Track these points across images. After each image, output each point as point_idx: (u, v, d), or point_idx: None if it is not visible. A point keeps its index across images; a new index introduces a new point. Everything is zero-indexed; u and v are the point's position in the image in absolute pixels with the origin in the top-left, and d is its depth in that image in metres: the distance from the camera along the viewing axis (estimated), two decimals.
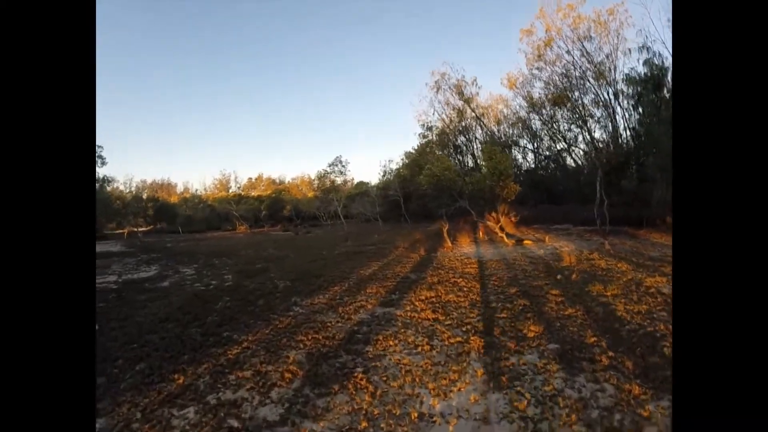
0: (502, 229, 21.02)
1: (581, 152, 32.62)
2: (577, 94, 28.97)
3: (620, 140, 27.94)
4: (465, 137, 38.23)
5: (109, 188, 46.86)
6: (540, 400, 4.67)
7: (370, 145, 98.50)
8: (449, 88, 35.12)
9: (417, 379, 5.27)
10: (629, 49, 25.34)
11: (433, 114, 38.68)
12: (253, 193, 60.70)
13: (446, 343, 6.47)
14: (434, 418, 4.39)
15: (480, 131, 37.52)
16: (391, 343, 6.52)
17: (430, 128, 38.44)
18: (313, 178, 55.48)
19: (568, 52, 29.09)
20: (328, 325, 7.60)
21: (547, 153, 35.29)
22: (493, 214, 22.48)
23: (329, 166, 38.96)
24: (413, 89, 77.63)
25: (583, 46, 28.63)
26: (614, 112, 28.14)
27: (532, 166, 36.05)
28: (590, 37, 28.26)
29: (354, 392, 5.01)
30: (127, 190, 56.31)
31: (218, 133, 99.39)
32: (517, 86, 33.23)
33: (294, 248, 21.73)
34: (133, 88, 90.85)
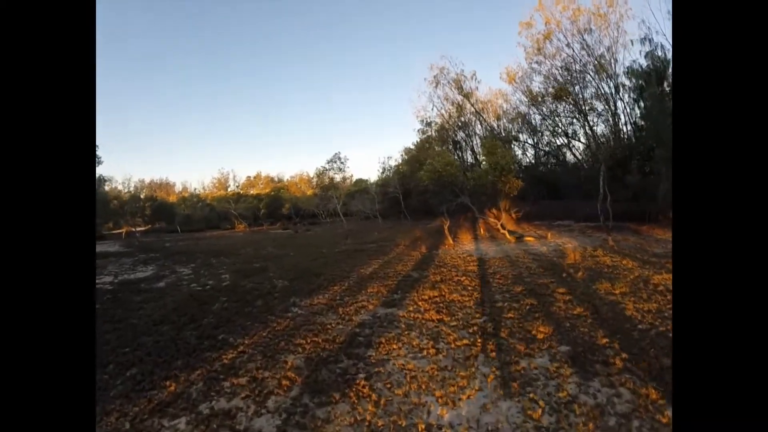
0: (503, 225, 20.73)
1: (582, 147, 32.37)
2: (577, 88, 28.69)
3: (622, 134, 27.65)
4: (464, 133, 37.93)
5: (107, 188, 46.58)
6: (555, 408, 4.39)
7: (368, 142, 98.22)
8: (448, 82, 34.80)
9: (423, 386, 4.97)
10: (632, 41, 24.94)
11: (432, 109, 38.42)
12: (251, 192, 60.41)
13: (452, 346, 6.17)
14: (443, 430, 4.10)
15: (479, 126, 37.24)
16: (394, 346, 6.22)
17: (429, 124, 38.17)
18: (312, 175, 55.21)
19: (568, 45, 28.76)
20: (328, 327, 7.29)
21: (547, 148, 34.99)
22: (494, 210, 22.20)
23: (328, 163, 38.62)
24: (412, 85, 77.46)
25: (584, 39, 28.29)
26: (615, 105, 27.85)
27: (532, 161, 35.73)
28: (590, 29, 27.93)
29: (356, 401, 4.71)
30: (126, 190, 56.03)
31: (217, 132, 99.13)
32: (517, 81, 32.92)
33: (293, 246, 21.42)
34: (132, 87, 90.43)
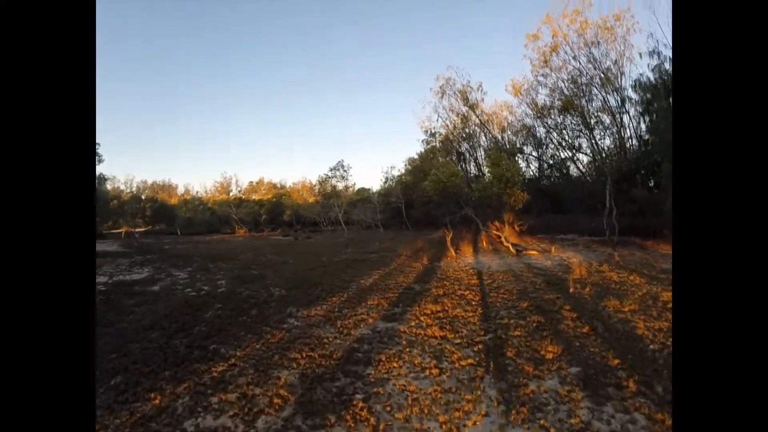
0: (506, 239, 20.40)
1: (586, 160, 32.12)
2: (583, 101, 28.50)
3: (628, 148, 27.39)
4: (468, 144, 37.72)
5: (109, 187, 46.46)
6: None
7: (372, 151, 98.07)
8: (454, 93, 34.60)
9: (425, 410, 4.61)
10: (640, 54, 24.78)
11: (437, 120, 38.21)
12: (253, 197, 60.23)
13: (457, 365, 5.81)
14: None
15: (484, 138, 37.04)
16: (394, 364, 5.85)
17: (433, 134, 37.93)
18: (314, 183, 55.05)
19: (574, 57, 28.66)
20: (324, 341, 6.92)
21: (551, 161, 34.74)
22: (496, 223, 21.88)
23: (331, 170, 38.46)
24: (417, 95, 77.45)
25: (590, 52, 28.21)
26: (622, 119, 27.64)
27: (536, 174, 35.48)
28: (597, 42, 27.85)
29: (353, 425, 4.34)
30: (128, 190, 56.01)
31: (220, 137, 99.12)
32: (522, 93, 32.79)
33: (293, 254, 21.08)
34: (136, 90, 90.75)
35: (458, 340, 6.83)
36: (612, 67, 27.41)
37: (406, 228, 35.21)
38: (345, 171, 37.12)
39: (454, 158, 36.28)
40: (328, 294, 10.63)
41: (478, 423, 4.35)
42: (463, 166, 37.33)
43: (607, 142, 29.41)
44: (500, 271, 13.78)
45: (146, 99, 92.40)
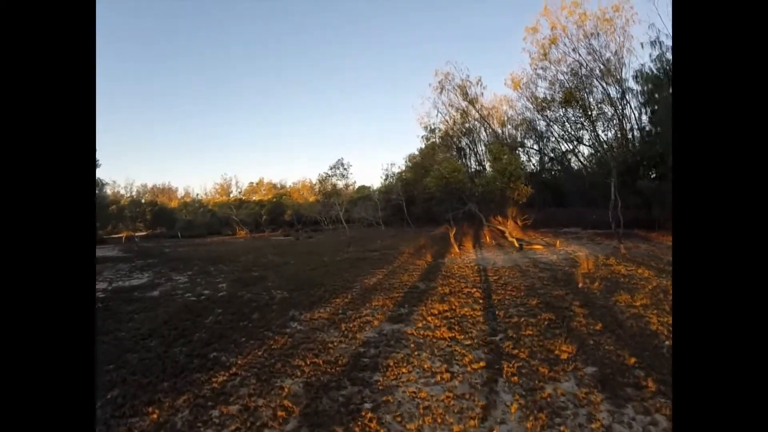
0: (511, 234, 20.15)
1: (588, 153, 31.84)
2: (584, 93, 28.19)
3: (630, 139, 27.09)
4: (468, 139, 37.41)
5: (109, 191, 46.28)
6: None
7: (371, 149, 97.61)
8: (453, 88, 34.30)
9: (438, 419, 4.34)
10: (642, 44, 24.46)
11: (437, 116, 37.85)
12: (254, 198, 59.99)
13: (468, 369, 5.54)
14: None
15: (484, 133, 36.74)
16: (403, 370, 5.58)
17: (432, 130, 37.59)
18: (314, 182, 54.72)
19: (574, 49, 28.36)
20: (329, 345, 6.64)
21: (552, 155, 34.43)
22: (499, 218, 21.62)
23: (331, 168, 38.02)
24: (416, 91, 76.91)
25: (590, 44, 27.90)
26: (623, 110, 27.32)
27: (537, 167, 35.16)
28: (597, 34, 27.54)
29: None
30: (128, 194, 55.88)
31: (220, 138, 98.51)
32: (521, 87, 32.50)
33: (294, 254, 20.82)
34: (134, 92, 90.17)
35: (468, 342, 6.56)
36: (612, 58, 27.14)
37: (407, 225, 34.96)
38: (345, 169, 36.62)
39: (454, 154, 35.99)
40: (331, 295, 10.36)
41: None
42: (464, 161, 37.05)
43: (609, 134, 29.10)
44: (506, 267, 13.52)
45: (145, 100, 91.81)
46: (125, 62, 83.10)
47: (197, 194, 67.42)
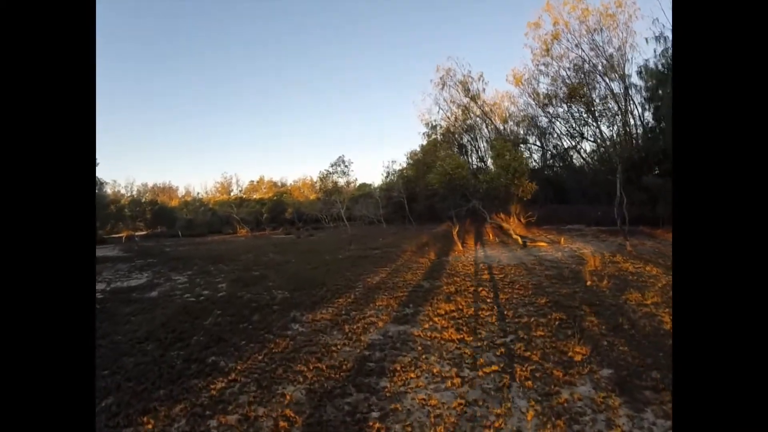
0: (514, 231, 19.88)
1: (591, 149, 31.54)
2: (586, 89, 27.86)
3: (635, 135, 26.80)
4: (470, 136, 37.08)
5: (110, 191, 46.06)
6: None
7: (372, 146, 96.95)
8: (455, 84, 33.92)
9: (451, 429, 4.07)
10: (646, 39, 24.09)
11: (438, 112, 37.40)
12: (254, 196, 59.65)
13: (480, 373, 5.27)
14: None
15: (486, 129, 36.37)
16: (412, 375, 5.30)
17: (434, 127, 37.22)
18: (315, 180, 54.49)
19: (577, 45, 28.02)
20: (333, 349, 6.35)
21: (554, 151, 34.11)
22: (501, 215, 21.35)
23: (332, 166, 37.81)
24: (417, 88, 76.40)
25: (593, 39, 27.56)
26: (627, 106, 27.00)
27: (539, 164, 34.81)
28: (600, 29, 27.21)
29: None
30: (128, 194, 55.71)
31: (220, 136, 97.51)
32: (523, 83, 32.17)
33: (295, 253, 20.56)
34: (134, 92, 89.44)
35: (478, 343, 6.29)
36: (615, 54, 26.81)
37: (408, 222, 34.71)
38: (346, 166, 36.47)
39: (455, 150, 35.65)
40: (333, 295, 10.08)
41: None
42: (465, 158, 36.73)
43: (613, 130, 28.79)
44: (511, 265, 13.26)
45: (146, 100, 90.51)
46: (125, 62, 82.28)
47: (198, 193, 67.08)
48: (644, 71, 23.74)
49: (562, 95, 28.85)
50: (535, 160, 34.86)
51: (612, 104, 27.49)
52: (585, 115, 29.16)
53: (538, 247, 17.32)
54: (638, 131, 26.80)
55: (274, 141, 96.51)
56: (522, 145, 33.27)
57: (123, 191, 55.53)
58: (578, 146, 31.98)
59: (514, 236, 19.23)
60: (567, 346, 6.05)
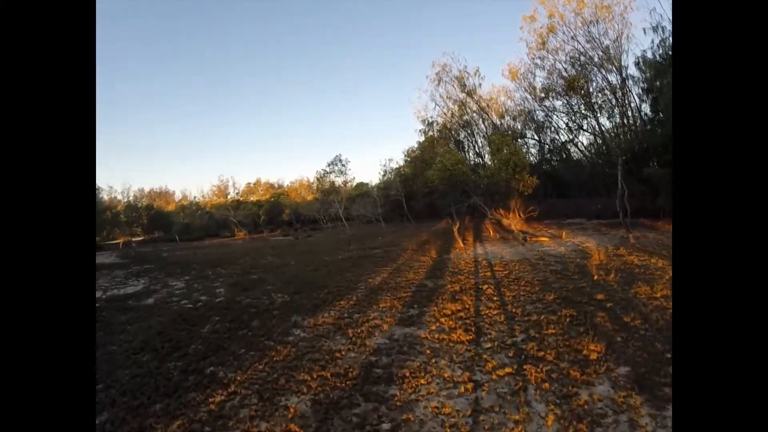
0: (515, 226, 19.66)
1: (588, 142, 31.39)
2: (583, 81, 27.67)
3: (633, 126, 26.63)
4: (467, 132, 36.82)
5: (106, 197, 45.70)
6: None
7: (369, 148, 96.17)
8: (450, 80, 33.67)
9: None
10: (644, 30, 23.89)
11: (434, 108, 37.14)
12: (251, 198, 59.33)
13: (493, 376, 5.00)
14: None
15: (483, 125, 36.14)
16: (422, 381, 5.02)
17: (430, 124, 36.95)
18: (312, 180, 54.18)
19: (573, 37, 27.85)
20: (337, 355, 6.05)
21: (551, 145, 33.94)
22: (501, 210, 21.12)
23: (329, 165, 37.46)
24: (413, 84, 76.00)
25: (589, 31, 27.39)
26: (625, 98, 26.82)
27: (536, 159, 34.60)
28: (595, 21, 27.04)
29: None
30: (125, 199, 55.40)
31: (216, 139, 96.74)
32: (519, 77, 31.98)
33: (294, 254, 20.26)
34: (129, 94, 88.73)
35: (488, 344, 6.03)
36: (611, 45, 26.63)
37: (407, 221, 34.46)
38: (343, 165, 36.12)
39: (452, 146, 35.40)
40: (334, 297, 9.79)
41: None
42: (463, 154, 36.48)
43: (612, 122, 28.62)
44: (515, 261, 13.01)
45: (141, 102, 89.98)
46: (122, 63, 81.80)
47: (195, 197, 66.76)
48: (642, 62, 23.50)
49: (559, 88, 28.70)
50: (532, 155, 34.71)
51: (608, 96, 27.33)
52: (583, 108, 29.01)
53: (540, 242, 17.11)
54: (636, 123, 26.63)
55: (271, 142, 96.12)
56: (520, 140, 33.10)
57: (119, 197, 55.30)
58: (575, 139, 31.83)
59: (516, 232, 19.00)
60: (581, 343, 5.81)
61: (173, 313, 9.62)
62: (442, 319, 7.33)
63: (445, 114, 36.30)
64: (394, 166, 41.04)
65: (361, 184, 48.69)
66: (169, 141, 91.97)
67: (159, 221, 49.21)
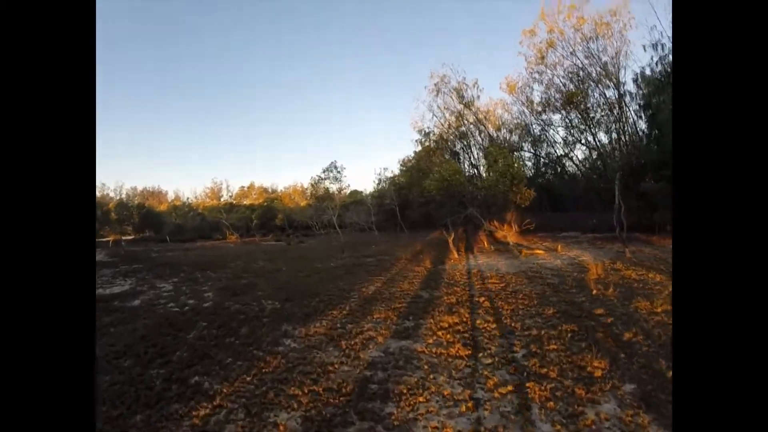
0: (510, 239, 19.52)
1: (582, 157, 31.53)
2: (581, 97, 27.84)
3: (628, 142, 26.77)
4: (463, 143, 36.82)
5: (98, 194, 45.02)
6: None
7: (363, 153, 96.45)
8: (449, 91, 33.66)
9: None
10: (644, 47, 24.12)
11: (432, 119, 37.11)
12: (244, 202, 58.84)
13: (495, 394, 4.75)
14: None
15: (479, 137, 36.17)
16: (420, 399, 4.74)
17: (427, 134, 36.90)
18: (305, 186, 53.86)
19: (572, 53, 28.05)
20: (329, 368, 5.75)
21: (546, 159, 34.02)
22: (496, 222, 20.98)
23: (324, 172, 37.17)
24: (410, 95, 76.22)
25: (588, 47, 27.60)
26: (623, 114, 26.98)
27: (532, 172, 34.65)
28: (594, 38, 27.27)
29: None
30: (117, 197, 54.80)
31: (211, 142, 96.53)
32: (517, 90, 32.10)
33: (286, 260, 19.92)
34: (125, 95, 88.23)
35: (488, 360, 5.78)
36: (609, 62, 26.85)
37: (401, 230, 34.23)
38: (339, 172, 35.84)
39: (447, 157, 35.37)
40: (326, 306, 9.49)
41: None
42: (459, 165, 36.45)
43: (608, 137, 28.78)
44: (511, 273, 12.82)
45: (137, 103, 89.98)
46: (116, 65, 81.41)
47: (187, 198, 66.12)
48: (641, 78, 23.68)
49: (556, 103, 28.84)
50: (528, 168, 34.75)
51: (606, 112, 27.50)
52: (579, 123, 29.14)
53: (536, 255, 16.97)
54: (633, 138, 26.78)
55: (265, 147, 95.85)
56: (516, 153, 33.13)
57: (112, 194, 54.70)
58: (571, 154, 31.96)
59: (511, 244, 18.86)
60: (584, 360, 5.63)
61: (159, 317, 9.26)
62: (440, 332, 7.06)
63: (441, 124, 36.30)
64: (389, 175, 40.97)
65: (355, 192, 48.48)
66: (164, 142, 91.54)
67: (150, 221, 48.66)
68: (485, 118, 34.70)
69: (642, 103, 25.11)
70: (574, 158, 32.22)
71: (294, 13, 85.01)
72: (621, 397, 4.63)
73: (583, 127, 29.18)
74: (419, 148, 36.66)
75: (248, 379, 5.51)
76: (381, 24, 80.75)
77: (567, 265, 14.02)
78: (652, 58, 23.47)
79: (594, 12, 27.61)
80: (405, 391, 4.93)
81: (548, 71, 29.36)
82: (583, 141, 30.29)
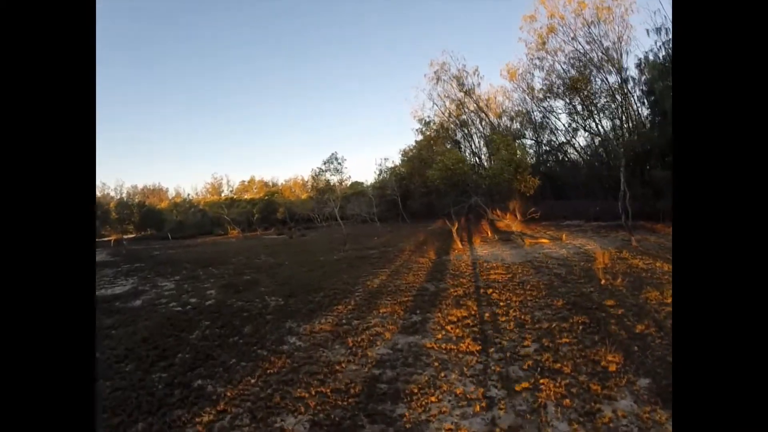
0: (514, 227, 19.31)
1: (585, 143, 31.18)
2: (583, 83, 27.39)
3: (632, 128, 26.40)
4: (464, 131, 36.46)
5: (99, 193, 44.92)
6: None
7: (363, 144, 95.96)
8: (449, 79, 33.22)
9: None
10: (647, 30, 23.61)
11: (432, 108, 36.71)
12: (245, 196, 58.71)
13: (509, 392, 4.58)
14: None
15: (480, 125, 35.79)
16: (432, 398, 4.56)
17: (427, 123, 36.52)
18: (306, 179, 53.63)
19: (573, 38, 27.55)
20: (336, 368, 5.58)
21: (547, 147, 33.66)
22: (498, 211, 20.74)
23: (324, 163, 36.79)
24: (410, 84, 75.27)
25: (589, 32, 27.10)
26: (626, 100, 26.55)
27: (534, 160, 34.31)
28: (596, 22, 26.76)
29: None
30: (117, 196, 54.78)
31: (211, 137, 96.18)
32: (518, 77, 31.65)
33: (288, 254, 19.77)
34: (124, 92, 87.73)
35: (500, 355, 5.60)
36: (611, 47, 26.36)
37: (402, 220, 34.04)
38: (339, 163, 35.43)
39: (449, 146, 35.03)
40: (331, 301, 9.32)
41: None
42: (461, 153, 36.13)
43: (609, 124, 28.37)
44: (517, 264, 12.63)
45: (136, 101, 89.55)
46: (116, 63, 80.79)
47: (188, 194, 66.08)
48: (645, 63, 23.22)
49: (557, 89, 28.41)
50: (529, 155, 34.40)
51: (608, 98, 27.07)
52: (581, 109, 28.73)
53: (541, 244, 16.77)
54: (636, 124, 26.40)
55: (265, 140, 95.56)
56: (517, 140, 32.78)
57: (112, 193, 54.65)
58: (572, 141, 31.59)
59: (515, 233, 18.66)
60: (598, 354, 5.47)
61: (161, 317, 9.12)
62: (448, 327, 6.88)
63: (442, 113, 35.93)
64: (390, 165, 40.65)
65: (356, 183, 48.20)
66: (164, 138, 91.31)
67: (151, 219, 48.59)
68: (486, 105, 34.31)
69: (645, 88, 24.65)
70: (576, 145, 31.87)
71: (294, 7, 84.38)
72: (637, 392, 4.49)
73: (585, 113, 28.77)
74: (420, 137, 36.38)
75: (253, 381, 5.35)
76: (381, 12, 79.79)
77: (573, 255, 13.82)
78: (655, 43, 22.90)
79: None
80: (416, 390, 4.77)
81: (549, 57, 28.89)
82: (585, 128, 29.91)
